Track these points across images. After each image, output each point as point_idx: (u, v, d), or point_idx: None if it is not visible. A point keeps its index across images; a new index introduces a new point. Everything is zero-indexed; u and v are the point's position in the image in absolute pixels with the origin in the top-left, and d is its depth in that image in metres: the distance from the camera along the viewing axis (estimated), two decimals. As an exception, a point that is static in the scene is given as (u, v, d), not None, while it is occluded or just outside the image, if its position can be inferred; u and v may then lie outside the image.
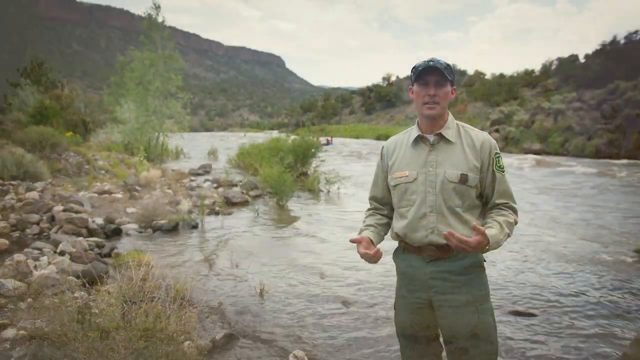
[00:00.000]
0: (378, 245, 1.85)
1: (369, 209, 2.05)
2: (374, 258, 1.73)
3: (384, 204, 2.01)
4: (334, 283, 4.56)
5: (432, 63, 1.73)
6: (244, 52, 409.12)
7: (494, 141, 1.81)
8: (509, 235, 1.70)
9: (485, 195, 1.81)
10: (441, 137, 1.80)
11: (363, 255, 1.74)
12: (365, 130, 55.77)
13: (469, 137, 1.81)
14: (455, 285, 1.75)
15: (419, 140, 1.84)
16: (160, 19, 17.09)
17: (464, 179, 1.74)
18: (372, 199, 2.04)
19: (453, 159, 1.77)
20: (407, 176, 1.82)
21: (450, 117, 1.84)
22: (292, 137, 14.48)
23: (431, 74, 1.74)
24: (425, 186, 1.77)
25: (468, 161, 1.76)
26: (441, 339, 1.87)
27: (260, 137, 20.71)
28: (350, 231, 6.56)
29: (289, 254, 5.62)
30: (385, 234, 1.99)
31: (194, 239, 6.32)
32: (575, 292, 4.32)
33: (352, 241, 1.79)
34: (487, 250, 1.62)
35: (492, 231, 1.63)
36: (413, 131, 1.87)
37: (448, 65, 1.76)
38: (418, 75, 1.77)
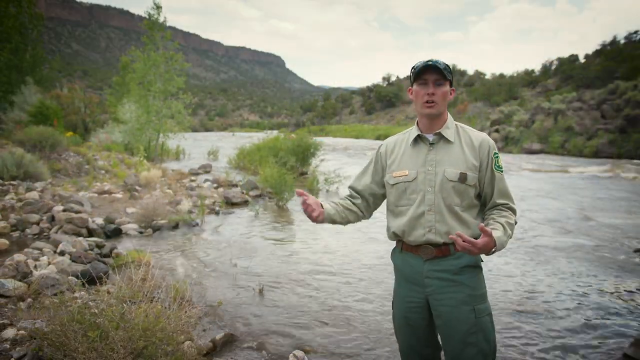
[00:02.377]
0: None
1: (344, 196, 2.07)
2: (314, 213, 1.80)
3: (360, 195, 2.02)
4: (334, 283, 4.57)
5: (431, 63, 1.75)
6: (244, 52, 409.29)
7: (493, 141, 1.83)
8: (510, 237, 1.70)
9: (484, 195, 1.82)
10: (441, 137, 1.82)
11: (303, 205, 1.81)
12: (365, 130, 55.70)
13: (467, 136, 1.83)
14: (451, 285, 1.75)
15: (419, 139, 1.86)
16: (161, 19, 17.04)
17: (463, 178, 1.75)
18: (351, 187, 2.06)
19: (452, 158, 1.78)
20: (407, 175, 1.83)
21: (450, 117, 1.87)
22: (283, 136, 14.68)
23: (430, 73, 1.76)
24: (425, 185, 1.79)
25: (467, 160, 1.77)
26: (439, 339, 1.88)
27: (246, 138, 20.63)
28: (350, 230, 6.57)
29: (288, 254, 5.62)
30: (346, 218, 1.97)
31: (194, 239, 6.32)
32: (575, 292, 4.33)
33: (299, 193, 1.80)
34: (492, 253, 1.60)
35: (497, 233, 1.62)
36: (413, 131, 1.89)
37: (447, 65, 1.78)
38: (417, 75, 1.79)
